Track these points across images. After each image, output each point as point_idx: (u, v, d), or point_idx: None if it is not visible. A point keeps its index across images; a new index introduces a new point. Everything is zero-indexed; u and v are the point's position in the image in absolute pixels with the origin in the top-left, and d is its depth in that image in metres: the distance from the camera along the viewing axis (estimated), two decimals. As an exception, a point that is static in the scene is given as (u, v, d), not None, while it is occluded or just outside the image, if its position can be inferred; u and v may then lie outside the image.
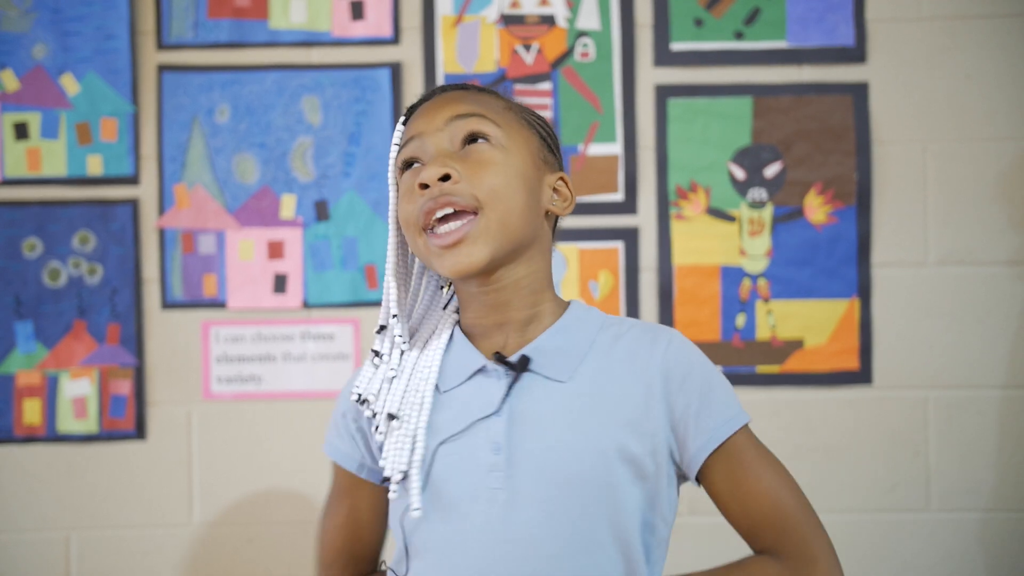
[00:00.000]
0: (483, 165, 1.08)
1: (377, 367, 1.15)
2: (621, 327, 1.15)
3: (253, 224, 2.08)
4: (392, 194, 1.16)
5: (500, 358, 1.11)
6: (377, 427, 1.11)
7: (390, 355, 1.14)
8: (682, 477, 1.14)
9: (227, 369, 2.07)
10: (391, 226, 1.16)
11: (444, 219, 1.08)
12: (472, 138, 1.10)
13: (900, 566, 2.06)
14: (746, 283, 2.07)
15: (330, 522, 1.23)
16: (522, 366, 1.10)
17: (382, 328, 1.16)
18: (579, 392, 1.10)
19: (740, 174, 2.08)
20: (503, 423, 1.08)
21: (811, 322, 2.06)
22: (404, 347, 1.14)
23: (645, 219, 2.09)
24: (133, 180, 2.08)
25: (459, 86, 1.17)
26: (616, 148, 2.08)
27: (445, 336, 1.15)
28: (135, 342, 2.07)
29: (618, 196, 2.08)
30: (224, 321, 2.07)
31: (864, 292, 2.06)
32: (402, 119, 1.16)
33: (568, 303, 1.18)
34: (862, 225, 2.06)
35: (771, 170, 2.08)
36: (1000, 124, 2.07)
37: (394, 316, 1.15)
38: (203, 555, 2.07)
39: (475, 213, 1.07)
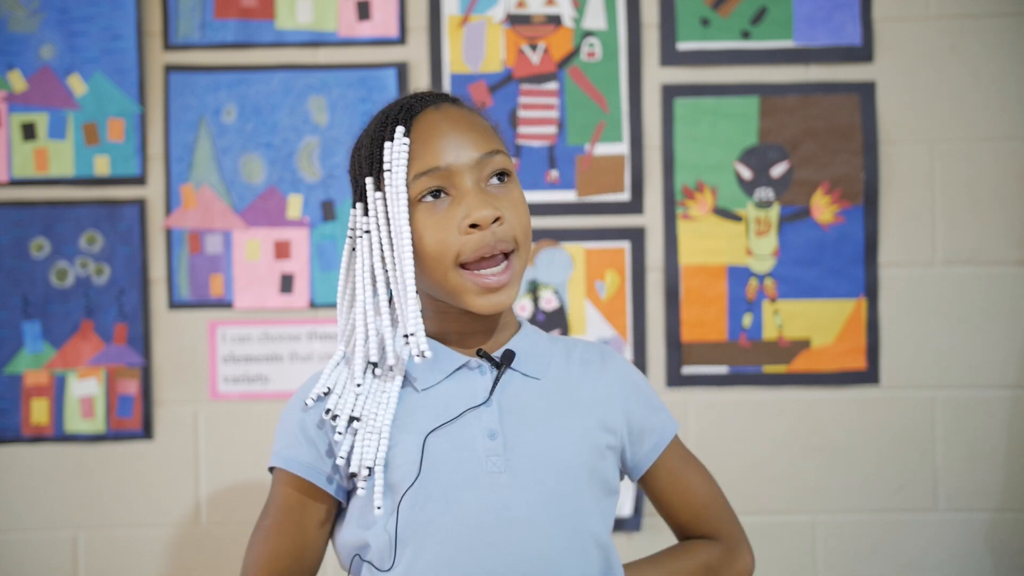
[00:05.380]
0: (517, 206, 1.12)
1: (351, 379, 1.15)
2: (566, 341, 1.25)
3: (260, 224, 2.08)
4: (402, 209, 1.09)
5: (483, 354, 1.16)
6: (337, 429, 1.11)
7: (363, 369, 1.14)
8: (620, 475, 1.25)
9: (234, 369, 2.07)
10: (403, 241, 1.09)
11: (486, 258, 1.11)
12: (500, 174, 1.12)
13: (907, 566, 2.05)
14: (753, 283, 2.07)
15: (267, 548, 1.15)
16: (507, 360, 1.16)
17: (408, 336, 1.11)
18: (552, 390, 1.17)
19: (747, 174, 2.08)
20: (495, 411, 1.13)
21: (818, 322, 2.06)
22: (373, 359, 1.14)
23: (651, 219, 2.08)
24: (140, 180, 2.08)
25: (453, 100, 1.17)
26: (622, 148, 2.08)
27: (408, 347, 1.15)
28: (142, 342, 2.07)
29: (624, 196, 2.08)
30: (231, 321, 2.08)
31: (871, 292, 2.06)
32: (402, 129, 1.10)
33: (517, 319, 1.25)
34: (869, 225, 2.06)
35: (778, 170, 2.07)
36: (1008, 123, 2.06)
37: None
38: (210, 555, 2.07)
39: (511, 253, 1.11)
